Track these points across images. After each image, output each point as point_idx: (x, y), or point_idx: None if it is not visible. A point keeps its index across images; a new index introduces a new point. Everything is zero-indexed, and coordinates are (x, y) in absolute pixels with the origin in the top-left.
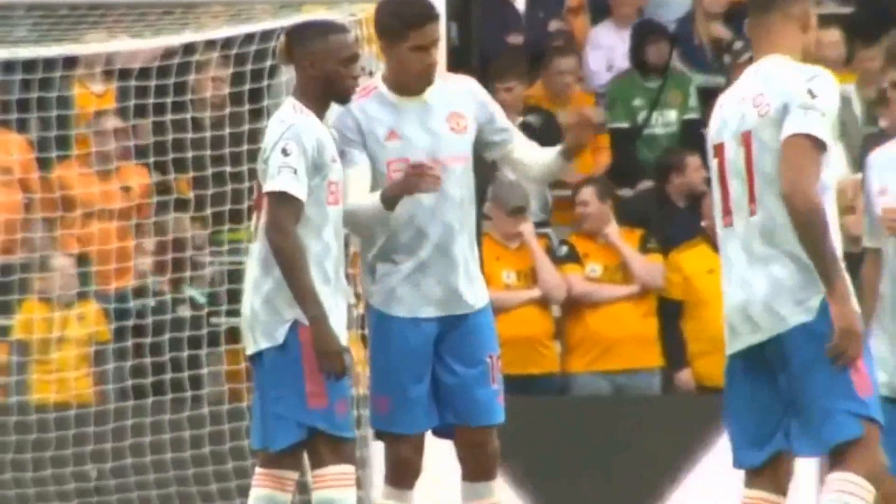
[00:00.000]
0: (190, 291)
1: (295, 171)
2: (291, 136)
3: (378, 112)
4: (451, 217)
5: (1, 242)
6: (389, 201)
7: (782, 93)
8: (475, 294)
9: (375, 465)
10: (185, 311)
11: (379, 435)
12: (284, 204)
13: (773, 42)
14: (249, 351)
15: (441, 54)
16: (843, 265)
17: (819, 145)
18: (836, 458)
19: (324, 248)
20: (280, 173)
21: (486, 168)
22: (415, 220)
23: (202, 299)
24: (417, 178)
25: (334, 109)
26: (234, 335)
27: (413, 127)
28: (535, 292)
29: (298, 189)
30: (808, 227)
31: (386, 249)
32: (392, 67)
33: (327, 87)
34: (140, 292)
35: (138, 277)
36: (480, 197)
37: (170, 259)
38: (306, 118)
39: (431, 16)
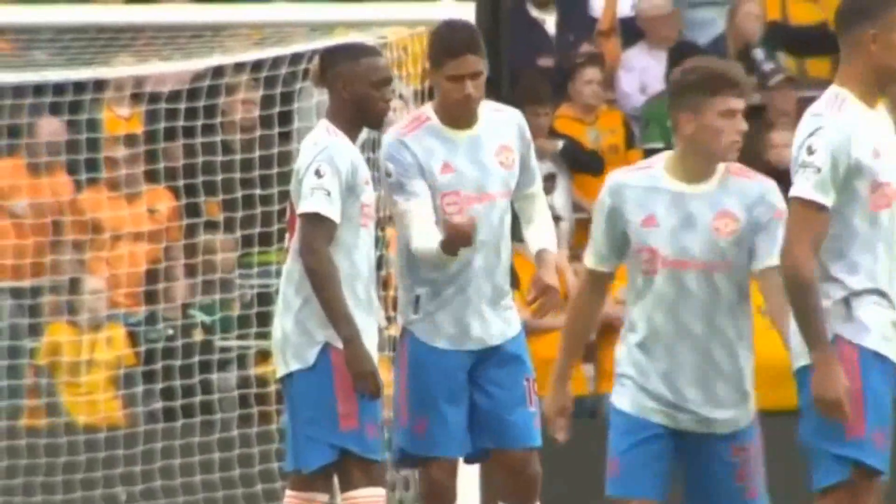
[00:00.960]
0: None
1: (328, 193)
2: (325, 157)
3: (432, 144)
4: (493, 248)
5: (30, 265)
6: (450, 252)
7: (796, 144)
8: (512, 322)
9: None
10: (215, 335)
11: (409, 460)
12: (317, 225)
13: (839, 70)
14: (280, 373)
15: None
16: (827, 331)
17: (811, 206)
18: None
19: (355, 270)
20: (313, 195)
21: None
22: (466, 255)
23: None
24: (462, 237)
25: (386, 142)
26: (263, 357)
27: (464, 160)
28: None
29: (331, 210)
30: (791, 290)
31: (430, 277)
32: (437, 95)
33: (359, 109)
34: (168, 315)
35: (167, 300)
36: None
37: (199, 281)
38: (340, 140)
39: (471, 47)
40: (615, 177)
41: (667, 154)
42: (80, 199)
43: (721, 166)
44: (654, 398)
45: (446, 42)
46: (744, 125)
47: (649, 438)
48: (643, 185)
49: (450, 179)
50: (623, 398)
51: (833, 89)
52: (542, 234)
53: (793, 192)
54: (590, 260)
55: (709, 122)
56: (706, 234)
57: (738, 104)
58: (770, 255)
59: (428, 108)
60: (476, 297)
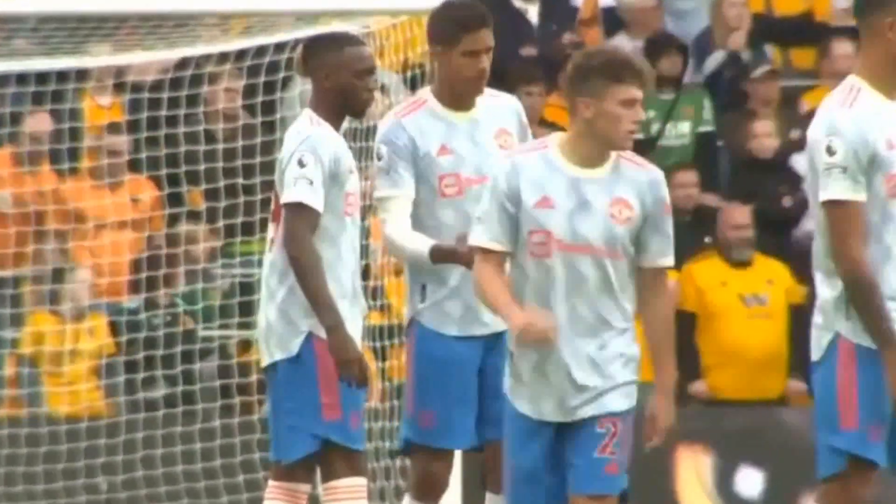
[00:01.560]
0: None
1: (311, 182)
2: (308, 147)
3: (429, 126)
4: None
5: (13, 255)
6: (438, 260)
7: (812, 145)
8: None
9: None
10: (196, 324)
11: (409, 449)
12: (301, 214)
13: (858, 59)
14: (264, 362)
15: None
16: None
17: (849, 206)
18: (819, 493)
19: (339, 259)
20: (296, 184)
21: None
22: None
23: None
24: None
25: (384, 124)
26: (245, 347)
27: (463, 142)
28: None
29: (314, 200)
30: (855, 293)
31: (436, 266)
32: (444, 76)
33: (342, 99)
34: (151, 304)
35: (149, 290)
36: None
37: (182, 271)
38: (323, 130)
39: (484, 21)
40: (511, 157)
41: (560, 135)
42: (63, 189)
43: (613, 153)
44: (549, 395)
45: (461, 18)
46: (641, 115)
47: (544, 447)
48: (539, 166)
49: (448, 161)
50: (521, 399)
51: (849, 80)
52: None
53: (827, 195)
54: (483, 239)
55: (609, 109)
56: (602, 220)
57: (639, 94)
58: (665, 255)
59: (426, 92)
60: None
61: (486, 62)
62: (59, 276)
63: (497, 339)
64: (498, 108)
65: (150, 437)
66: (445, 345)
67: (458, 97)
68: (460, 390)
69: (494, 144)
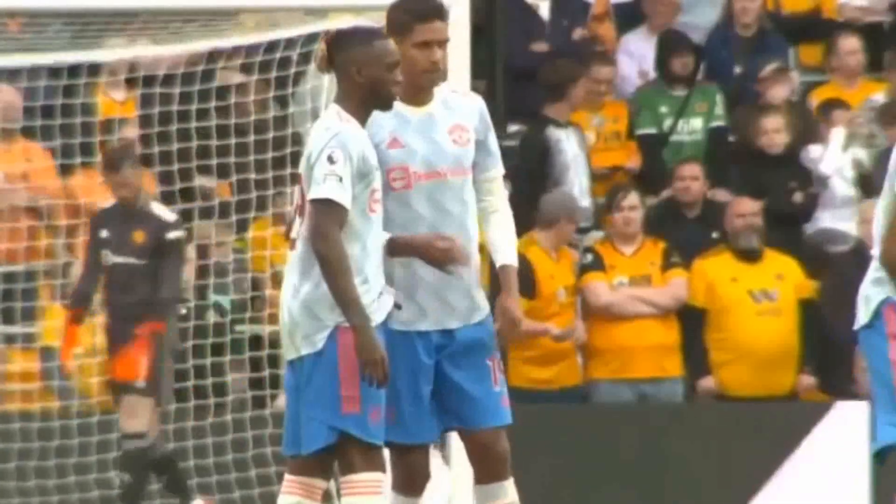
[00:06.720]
0: (216, 297)
1: (340, 179)
2: (337, 143)
3: (382, 118)
4: (448, 231)
5: (25, 249)
6: (396, 253)
7: None
8: (474, 308)
9: None
10: (209, 319)
11: (386, 444)
12: (329, 211)
13: None
14: (290, 357)
15: (464, 63)
16: None
17: None
18: None
19: (366, 256)
20: (325, 181)
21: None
22: (412, 234)
23: (228, 305)
24: (444, 255)
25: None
26: (257, 342)
27: (415, 136)
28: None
29: (343, 196)
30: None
31: (384, 262)
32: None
33: (372, 93)
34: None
35: None
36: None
37: (194, 266)
38: (351, 126)
39: (438, 13)
40: None
41: None
42: (73, 184)
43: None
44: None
45: (415, 8)
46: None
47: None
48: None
49: (398, 154)
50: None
51: None
52: (504, 242)
53: None
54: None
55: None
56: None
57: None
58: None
59: None
60: (428, 280)
61: (438, 54)
62: (69, 270)
63: (453, 336)
64: (457, 103)
65: (162, 432)
66: (395, 341)
67: (411, 90)
68: (415, 385)
69: (448, 139)
